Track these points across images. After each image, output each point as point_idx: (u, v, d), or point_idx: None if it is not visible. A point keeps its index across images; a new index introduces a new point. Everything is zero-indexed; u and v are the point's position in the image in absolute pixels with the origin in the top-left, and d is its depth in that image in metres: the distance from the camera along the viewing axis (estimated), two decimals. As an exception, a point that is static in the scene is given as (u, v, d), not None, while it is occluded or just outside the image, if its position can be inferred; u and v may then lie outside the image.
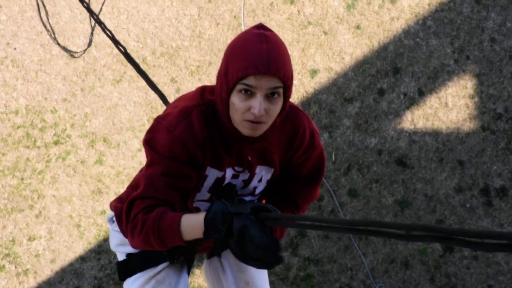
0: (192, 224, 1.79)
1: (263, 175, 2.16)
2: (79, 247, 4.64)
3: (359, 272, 4.67)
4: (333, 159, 4.74)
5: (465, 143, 4.75)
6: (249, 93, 1.82)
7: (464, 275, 4.64)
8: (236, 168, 2.10)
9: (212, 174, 2.08)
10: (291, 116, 2.07)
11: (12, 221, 4.65)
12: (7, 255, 4.62)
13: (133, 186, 2.02)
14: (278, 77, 1.80)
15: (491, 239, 0.98)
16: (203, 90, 2.06)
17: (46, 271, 4.61)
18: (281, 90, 1.85)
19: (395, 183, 4.73)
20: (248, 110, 1.85)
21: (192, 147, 1.95)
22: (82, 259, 4.63)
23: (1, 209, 4.65)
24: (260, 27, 1.87)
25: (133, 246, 1.98)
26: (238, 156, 2.06)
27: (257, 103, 1.82)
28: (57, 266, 4.62)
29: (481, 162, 4.73)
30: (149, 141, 1.98)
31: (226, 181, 2.13)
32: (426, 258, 4.66)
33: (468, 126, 4.76)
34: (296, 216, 1.64)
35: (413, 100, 4.78)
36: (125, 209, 1.96)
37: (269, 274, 4.62)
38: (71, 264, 4.63)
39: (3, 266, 4.60)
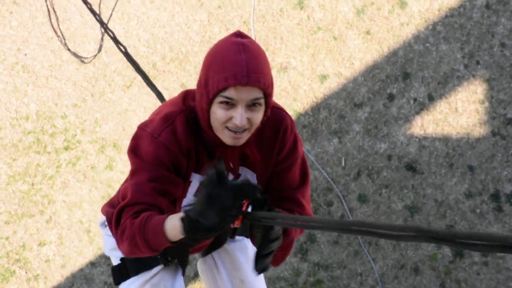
0: (174, 224, 1.75)
1: (248, 179, 2.15)
2: (89, 253, 4.65)
3: (368, 278, 4.66)
4: (343, 164, 4.74)
5: (475, 149, 4.74)
6: (230, 104, 1.82)
7: (474, 281, 4.63)
8: None
9: (196, 179, 2.08)
10: (272, 115, 2.04)
11: (22, 226, 4.66)
12: (18, 260, 4.63)
13: (121, 196, 1.98)
14: (259, 87, 1.80)
15: (482, 241, 1.01)
16: (186, 95, 2.05)
17: (57, 276, 4.63)
18: (262, 100, 1.85)
19: (405, 189, 4.72)
20: (230, 119, 1.85)
21: (177, 154, 1.94)
22: (92, 264, 4.64)
23: (11, 214, 4.67)
24: (238, 34, 1.86)
25: (123, 253, 1.94)
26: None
27: (239, 115, 1.82)
28: (67, 272, 4.63)
29: (491, 168, 4.72)
30: (134, 149, 1.96)
31: None
32: (436, 264, 4.65)
33: (478, 131, 4.75)
34: (286, 216, 1.64)
35: (423, 105, 4.78)
36: (115, 218, 1.93)
37: (279, 280, 4.63)
38: (81, 270, 4.64)
39: (14, 271, 4.62)
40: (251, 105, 1.84)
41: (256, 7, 4.89)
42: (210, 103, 1.85)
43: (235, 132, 1.87)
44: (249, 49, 1.81)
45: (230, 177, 2.12)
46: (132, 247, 1.87)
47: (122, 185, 2.44)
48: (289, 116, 2.13)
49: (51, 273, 4.63)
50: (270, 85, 1.84)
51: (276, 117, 2.07)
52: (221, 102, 1.82)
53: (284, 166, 2.16)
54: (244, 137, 1.91)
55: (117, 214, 1.93)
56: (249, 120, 1.86)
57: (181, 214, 1.70)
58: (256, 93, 1.81)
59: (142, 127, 1.98)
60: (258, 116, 1.88)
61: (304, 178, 2.20)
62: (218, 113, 1.84)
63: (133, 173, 1.96)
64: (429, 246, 4.66)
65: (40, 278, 4.62)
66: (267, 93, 1.85)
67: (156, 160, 1.92)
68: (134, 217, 1.87)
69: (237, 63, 1.77)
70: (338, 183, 4.72)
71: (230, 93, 1.79)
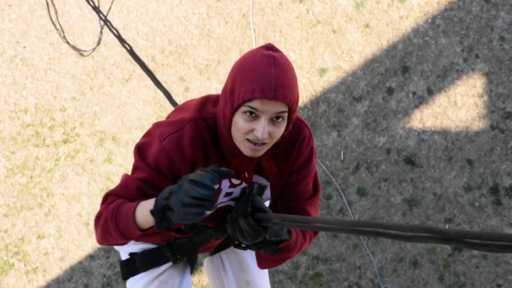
0: (144, 214, 1.79)
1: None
2: (88, 245, 4.64)
3: (367, 271, 4.66)
4: (342, 158, 4.74)
5: (474, 142, 4.74)
6: (253, 115, 1.81)
7: (473, 274, 4.63)
8: (233, 180, 2.09)
9: None
10: (291, 126, 2.04)
11: (21, 219, 4.66)
12: (17, 253, 4.63)
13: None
14: (284, 102, 1.79)
15: (492, 241, 1.00)
16: (206, 100, 2.05)
17: (55, 269, 4.62)
18: (285, 114, 1.84)
19: (404, 182, 4.72)
20: (251, 131, 1.84)
21: (178, 161, 1.94)
22: (91, 257, 4.64)
23: (10, 207, 4.66)
24: (270, 47, 1.85)
25: (98, 241, 2.00)
26: (235, 170, 2.06)
27: (261, 127, 1.81)
28: (66, 264, 4.63)
29: (490, 161, 4.72)
30: (140, 147, 1.99)
31: (222, 192, 2.12)
32: (434, 257, 4.66)
33: (477, 125, 4.75)
34: (295, 217, 1.65)
35: (422, 99, 4.77)
36: (100, 204, 2.01)
37: (278, 273, 4.63)
38: (80, 262, 4.63)
39: (13, 264, 4.62)
40: (274, 119, 1.83)
41: (255, 0, 4.88)
42: (234, 112, 1.84)
43: (255, 144, 1.86)
44: (279, 63, 1.80)
45: (243, 185, 2.12)
46: (105, 233, 1.92)
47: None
48: (308, 128, 2.13)
49: (50, 266, 4.63)
50: (296, 101, 1.84)
51: (295, 127, 2.06)
52: (245, 112, 1.81)
53: (297, 177, 2.16)
54: (263, 149, 1.90)
55: (102, 201, 2.01)
56: (270, 134, 1.85)
57: (151, 206, 1.74)
58: (281, 107, 1.81)
59: (156, 126, 2.00)
60: (279, 130, 1.87)
61: (315, 191, 2.22)
62: (240, 123, 1.84)
63: (133, 168, 2.02)
64: (428, 240, 4.66)
65: (39, 270, 4.62)
66: (292, 109, 1.84)
67: (153, 164, 1.94)
68: (109, 204, 1.95)
69: (266, 76, 1.77)
70: (337, 176, 4.72)
71: (255, 104, 1.78)
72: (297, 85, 1.85)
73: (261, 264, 2.19)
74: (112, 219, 1.86)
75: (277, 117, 1.83)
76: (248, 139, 1.86)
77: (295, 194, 2.18)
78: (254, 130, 1.83)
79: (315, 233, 2.23)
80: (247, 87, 1.78)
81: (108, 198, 1.98)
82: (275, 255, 2.01)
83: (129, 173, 2.46)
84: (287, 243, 1.99)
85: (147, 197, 1.93)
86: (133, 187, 1.93)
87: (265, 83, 1.76)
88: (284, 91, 1.77)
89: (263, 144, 1.87)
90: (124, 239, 1.91)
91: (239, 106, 1.81)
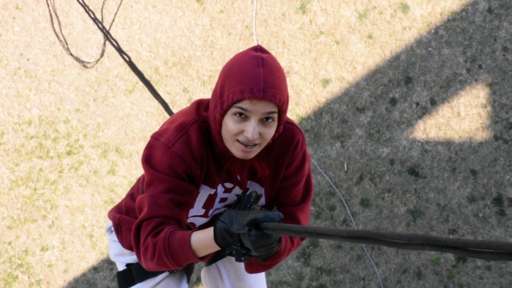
0: (204, 243, 1.80)
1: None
2: (92, 257, 4.64)
3: (371, 282, 4.66)
4: (345, 168, 4.74)
5: (478, 153, 4.74)
6: (243, 116, 1.82)
7: (477, 285, 4.62)
8: (226, 184, 2.09)
9: (204, 190, 2.07)
10: (284, 130, 2.05)
11: (25, 231, 4.66)
12: (20, 265, 4.63)
13: (138, 208, 2.00)
14: (274, 103, 1.80)
15: (490, 249, 1.02)
16: (198, 104, 2.06)
17: (59, 281, 4.62)
18: (275, 115, 1.85)
19: (408, 193, 4.72)
20: (241, 132, 1.85)
21: (191, 163, 1.94)
22: (94, 269, 4.64)
23: (14, 219, 4.67)
24: (258, 49, 1.87)
25: (148, 269, 1.98)
26: (228, 173, 2.06)
27: (251, 127, 1.82)
28: (70, 276, 4.63)
29: (493, 172, 4.72)
30: (148, 159, 1.96)
31: (218, 197, 2.12)
32: (439, 268, 4.65)
33: (481, 135, 4.75)
34: (294, 227, 1.65)
35: (425, 109, 4.77)
36: (134, 234, 1.94)
37: (282, 284, 4.62)
38: (84, 274, 4.63)
39: (16, 276, 4.62)
40: (264, 120, 1.84)
41: (258, 11, 4.89)
42: (223, 114, 1.85)
43: (246, 146, 1.87)
44: (268, 64, 1.81)
45: (238, 190, 2.12)
46: (159, 265, 1.91)
47: (131, 190, 2.44)
48: (301, 132, 2.13)
49: (53, 278, 4.62)
50: (285, 101, 1.85)
51: (288, 131, 2.07)
52: (235, 114, 1.82)
53: (289, 182, 2.16)
54: (254, 151, 1.91)
55: (135, 230, 1.94)
56: (260, 135, 1.86)
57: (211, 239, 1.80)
58: (270, 108, 1.82)
59: (155, 137, 1.98)
60: (270, 131, 1.88)
61: (306, 196, 2.21)
62: (230, 124, 1.84)
63: (148, 184, 1.96)
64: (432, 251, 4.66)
65: (42, 283, 4.61)
66: (282, 110, 1.85)
67: (170, 171, 1.92)
68: (154, 235, 1.88)
69: (255, 77, 1.78)
70: (341, 187, 4.72)
71: (245, 104, 1.79)
72: (286, 86, 1.86)
73: (250, 269, 2.20)
74: (167, 254, 1.85)
75: (267, 118, 1.84)
76: (238, 140, 1.87)
77: (286, 200, 2.18)
78: (244, 131, 1.84)
79: (302, 238, 2.22)
80: (236, 88, 1.79)
81: (142, 225, 1.92)
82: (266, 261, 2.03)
83: (131, 185, 2.46)
84: (277, 249, 1.99)
85: (180, 206, 1.93)
86: (164, 201, 1.90)
87: (253, 83, 1.77)
88: (273, 91, 1.79)
89: (254, 145, 1.88)
90: (180, 266, 1.92)
91: (229, 107, 1.82)
